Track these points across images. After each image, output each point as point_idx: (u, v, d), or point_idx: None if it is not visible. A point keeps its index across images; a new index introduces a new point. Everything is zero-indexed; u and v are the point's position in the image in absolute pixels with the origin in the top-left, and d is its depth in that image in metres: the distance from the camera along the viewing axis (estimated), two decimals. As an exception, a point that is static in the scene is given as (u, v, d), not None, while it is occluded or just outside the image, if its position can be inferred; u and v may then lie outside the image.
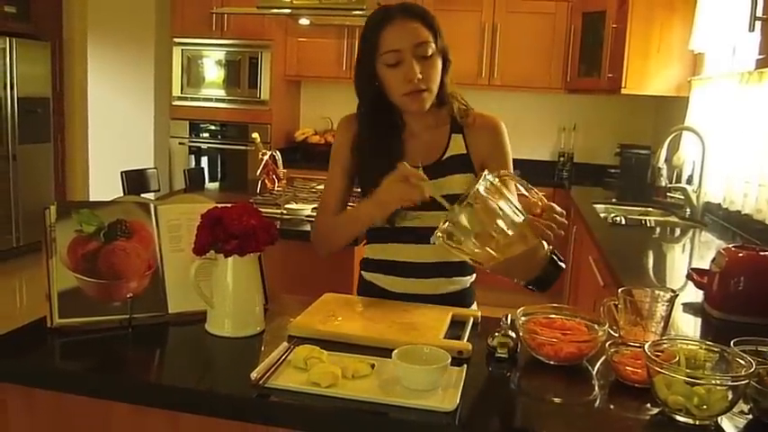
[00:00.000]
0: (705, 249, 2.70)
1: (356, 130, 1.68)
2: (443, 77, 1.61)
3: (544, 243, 1.30)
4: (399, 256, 1.68)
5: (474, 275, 1.76)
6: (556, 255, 1.34)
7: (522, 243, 1.27)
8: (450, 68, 1.62)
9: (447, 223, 1.27)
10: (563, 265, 1.35)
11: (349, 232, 1.67)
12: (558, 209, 1.32)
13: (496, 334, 1.31)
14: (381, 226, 1.64)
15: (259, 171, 3.51)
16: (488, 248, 1.26)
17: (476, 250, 1.27)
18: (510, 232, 1.26)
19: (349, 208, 1.72)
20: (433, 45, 1.56)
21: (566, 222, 1.32)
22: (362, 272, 1.79)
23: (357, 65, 1.64)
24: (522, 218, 1.27)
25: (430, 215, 1.56)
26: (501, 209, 1.26)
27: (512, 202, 1.28)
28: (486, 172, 1.29)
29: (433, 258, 1.65)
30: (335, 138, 1.76)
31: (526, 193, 1.32)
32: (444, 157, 1.65)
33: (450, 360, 1.15)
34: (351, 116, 1.73)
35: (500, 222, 1.25)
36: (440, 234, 1.27)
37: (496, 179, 1.29)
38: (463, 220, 1.25)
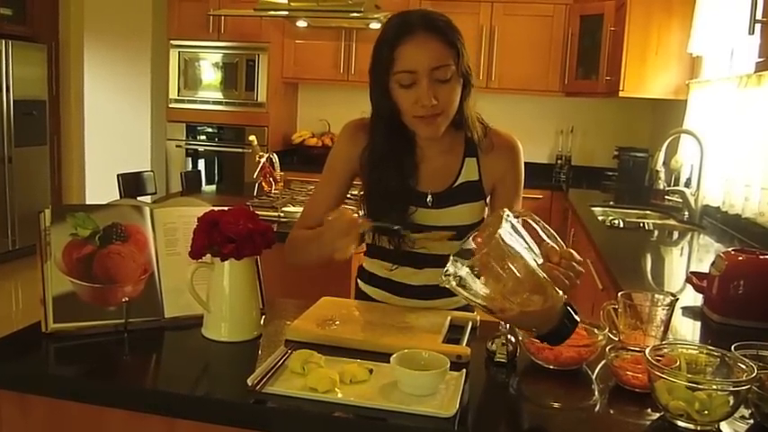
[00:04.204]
0: (704, 252, 2.69)
1: (365, 141, 1.57)
2: (462, 101, 1.50)
3: (561, 294, 1.18)
4: (400, 278, 1.63)
5: None
6: (571, 307, 1.21)
7: (540, 295, 1.15)
8: (471, 92, 1.50)
9: (458, 264, 1.16)
10: (578, 319, 1.22)
11: (313, 256, 1.52)
12: (578, 257, 1.19)
13: (496, 338, 1.30)
14: (385, 247, 1.60)
15: (256, 174, 3.51)
16: (503, 298, 1.15)
17: (489, 297, 1.16)
18: (526, 280, 1.14)
19: (316, 229, 1.51)
20: (453, 67, 1.43)
21: (583, 271, 1.19)
22: (359, 280, 1.75)
23: (370, 76, 1.51)
24: (540, 265, 1.16)
25: (437, 244, 1.53)
26: (520, 255, 1.14)
27: (531, 249, 1.18)
28: (506, 212, 1.19)
29: (435, 281, 1.59)
30: (337, 144, 1.65)
31: (545, 238, 1.21)
32: (456, 185, 1.58)
33: (449, 365, 1.14)
34: (358, 123, 1.61)
35: (515, 269, 1.13)
36: (449, 276, 1.16)
37: (518, 221, 1.19)
38: (476, 264, 1.14)
